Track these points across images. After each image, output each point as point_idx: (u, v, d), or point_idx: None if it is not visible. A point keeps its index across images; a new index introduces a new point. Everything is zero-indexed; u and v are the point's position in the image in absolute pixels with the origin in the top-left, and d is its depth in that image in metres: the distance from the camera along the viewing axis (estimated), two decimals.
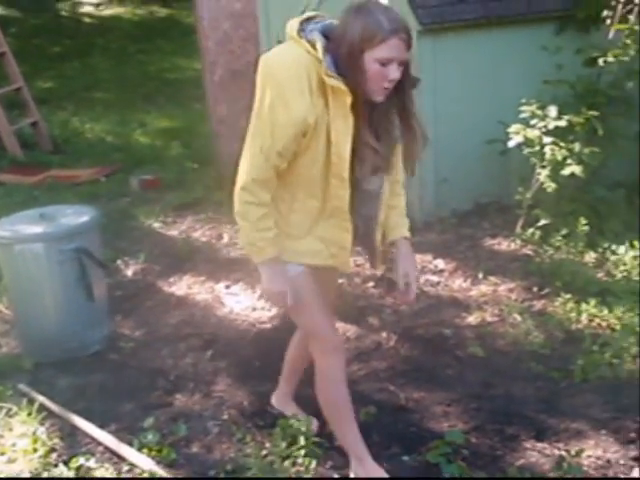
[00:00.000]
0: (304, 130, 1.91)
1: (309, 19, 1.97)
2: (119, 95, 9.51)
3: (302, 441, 2.40)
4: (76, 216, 3.20)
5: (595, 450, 2.41)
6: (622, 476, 2.27)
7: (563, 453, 2.37)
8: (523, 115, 3.97)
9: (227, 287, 3.88)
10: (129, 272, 4.17)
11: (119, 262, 4.24)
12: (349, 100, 1.89)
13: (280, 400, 2.71)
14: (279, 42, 5.11)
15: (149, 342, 3.33)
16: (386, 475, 2.27)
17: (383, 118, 1.98)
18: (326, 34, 1.91)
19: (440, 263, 4.00)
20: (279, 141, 1.92)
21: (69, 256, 3.07)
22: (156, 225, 4.95)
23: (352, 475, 2.31)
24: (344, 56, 1.86)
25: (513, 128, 3.97)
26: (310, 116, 1.89)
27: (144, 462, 2.38)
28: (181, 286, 3.94)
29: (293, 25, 1.95)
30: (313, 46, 1.88)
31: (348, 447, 2.33)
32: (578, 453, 2.36)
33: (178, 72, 10.77)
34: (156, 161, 6.50)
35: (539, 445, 2.45)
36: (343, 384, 2.28)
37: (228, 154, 5.57)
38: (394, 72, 1.86)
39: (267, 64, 1.94)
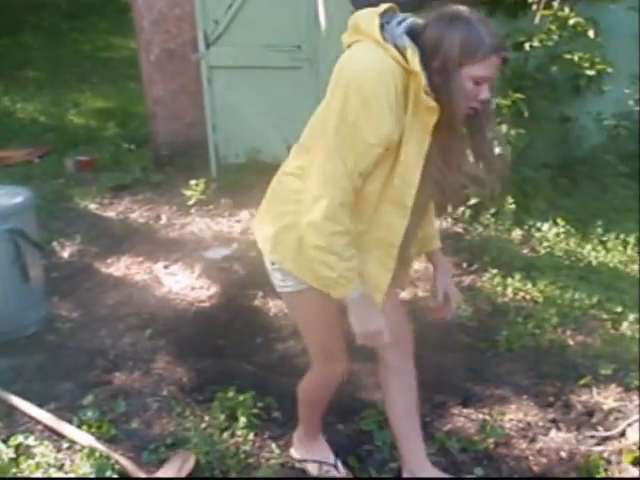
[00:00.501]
0: (387, 148, 1.71)
1: (385, 12, 1.74)
2: (52, 74, 9.26)
3: (240, 413, 2.48)
4: (10, 197, 3.17)
5: (517, 414, 2.57)
6: (541, 437, 2.43)
7: (487, 417, 2.52)
8: None
9: (166, 267, 3.90)
10: (65, 254, 4.14)
11: (55, 244, 4.20)
12: (433, 120, 1.68)
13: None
14: (215, 22, 5.09)
15: (87, 323, 3.33)
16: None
17: (459, 144, 1.76)
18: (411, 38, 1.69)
19: None
20: (363, 161, 1.69)
21: (3, 237, 3.04)
22: (92, 206, 4.91)
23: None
24: (437, 69, 1.65)
25: None
26: (396, 133, 1.69)
27: (84, 438, 2.42)
28: (119, 267, 3.94)
29: (372, 21, 1.71)
30: (403, 55, 1.65)
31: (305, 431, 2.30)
32: (500, 416, 2.51)
33: (113, 51, 10.55)
34: (91, 142, 6.40)
35: (465, 411, 2.59)
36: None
37: (164, 134, 5.56)
38: (485, 92, 1.67)
39: (351, 70, 1.69)
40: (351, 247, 1.74)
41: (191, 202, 4.74)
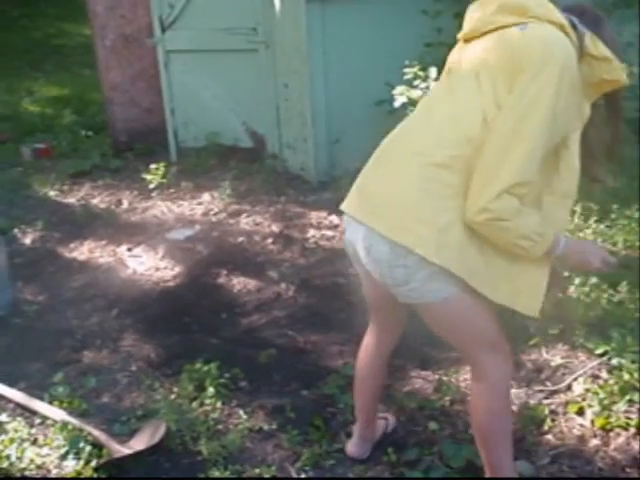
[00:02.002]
0: None
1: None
2: (3, 62, 9.10)
3: (208, 384, 2.58)
4: None
5: (469, 374, 2.71)
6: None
7: (443, 378, 2.66)
8: (407, 77, 4.21)
9: (129, 250, 3.96)
10: (27, 240, 4.15)
11: (16, 231, 4.22)
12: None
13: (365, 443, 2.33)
14: (170, 6, 5.08)
15: (53, 305, 3.38)
16: None
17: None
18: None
19: (335, 219, 4.22)
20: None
21: None
22: (52, 193, 4.91)
23: None
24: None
25: (398, 89, 4.21)
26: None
27: (56, 413, 2.49)
28: (82, 251, 3.99)
29: (547, 5, 1.72)
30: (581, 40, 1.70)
31: (499, 470, 1.98)
32: (455, 374, 2.66)
33: (65, 38, 10.42)
34: (48, 130, 6.36)
35: (423, 373, 2.74)
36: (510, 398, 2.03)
37: (122, 120, 5.57)
38: None
39: (560, 57, 1.64)
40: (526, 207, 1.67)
41: (152, 186, 4.78)
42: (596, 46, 1.70)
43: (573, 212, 3.93)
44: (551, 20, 1.69)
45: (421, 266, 1.69)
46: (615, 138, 1.84)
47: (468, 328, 1.85)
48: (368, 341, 2.23)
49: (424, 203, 1.69)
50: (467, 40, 1.84)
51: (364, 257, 1.80)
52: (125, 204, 4.66)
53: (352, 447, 2.31)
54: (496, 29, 1.73)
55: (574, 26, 1.71)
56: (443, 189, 1.69)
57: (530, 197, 1.70)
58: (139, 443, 2.34)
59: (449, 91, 1.79)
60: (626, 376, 2.48)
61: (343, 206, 1.90)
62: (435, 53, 4.32)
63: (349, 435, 2.37)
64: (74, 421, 2.43)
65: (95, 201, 4.75)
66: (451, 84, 1.81)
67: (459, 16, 4.33)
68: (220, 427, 2.45)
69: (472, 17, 1.81)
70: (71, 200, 4.80)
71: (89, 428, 2.40)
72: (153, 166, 4.83)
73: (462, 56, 1.83)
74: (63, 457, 2.33)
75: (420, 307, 1.82)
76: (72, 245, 4.05)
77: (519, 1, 1.72)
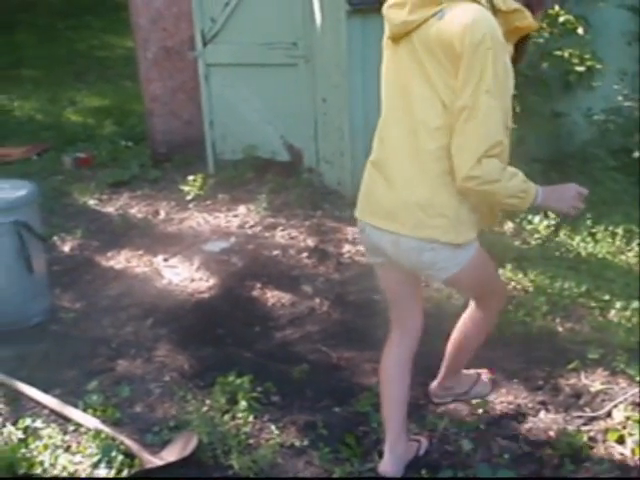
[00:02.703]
0: None
1: None
2: (48, 73, 9.31)
3: (240, 397, 2.57)
4: (14, 190, 3.25)
5: (507, 397, 2.67)
6: (531, 418, 2.52)
7: (479, 400, 2.61)
8: None
9: (165, 260, 3.98)
10: (66, 248, 4.21)
11: (55, 238, 4.28)
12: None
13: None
14: (212, 20, 5.17)
15: (89, 313, 3.42)
16: None
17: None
18: None
19: None
20: (509, 111, 1.95)
21: (8, 229, 3.12)
22: (91, 202, 4.98)
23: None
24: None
25: None
26: None
27: (89, 421, 2.50)
28: (119, 260, 4.03)
29: None
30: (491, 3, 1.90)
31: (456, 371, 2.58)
32: (491, 400, 2.62)
33: (108, 50, 10.61)
34: (89, 139, 6.46)
35: None
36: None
37: (162, 132, 5.64)
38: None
39: (486, 33, 1.82)
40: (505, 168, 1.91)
41: (189, 197, 4.82)
42: (505, 2, 1.91)
43: (614, 234, 3.86)
44: None
45: (445, 247, 1.99)
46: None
47: (486, 278, 2.23)
48: (388, 347, 2.34)
49: (434, 198, 1.96)
50: (394, 40, 2.01)
51: (393, 252, 2.07)
52: (162, 214, 4.71)
53: (384, 466, 2.28)
54: (417, 25, 1.91)
55: None
56: (443, 177, 1.94)
57: (503, 155, 1.93)
58: (171, 454, 2.34)
59: (411, 90, 1.97)
60: None
61: (357, 214, 2.19)
62: None
63: (381, 454, 2.34)
64: (107, 430, 2.44)
65: (133, 211, 4.80)
66: (404, 88, 1.99)
67: None
68: (251, 441, 2.44)
69: (392, 20, 1.98)
70: (109, 209, 4.86)
71: (122, 437, 2.40)
72: (191, 177, 4.88)
73: (400, 58, 1.99)
74: (95, 465, 2.34)
75: (450, 281, 2.15)
76: (109, 254, 4.10)
77: None
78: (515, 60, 1.98)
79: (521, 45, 2.03)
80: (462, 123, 1.86)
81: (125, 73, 8.27)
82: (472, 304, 2.41)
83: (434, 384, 2.63)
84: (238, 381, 2.64)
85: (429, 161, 1.95)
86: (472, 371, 2.69)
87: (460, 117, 1.86)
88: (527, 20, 1.94)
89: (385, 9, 2.02)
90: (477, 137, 1.85)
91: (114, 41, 10.82)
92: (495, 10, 1.90)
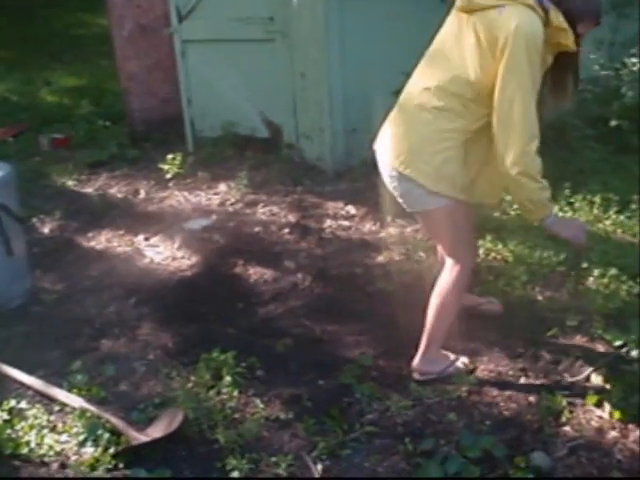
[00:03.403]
0: None
1: None
2: (22, 53, 9.18)
3: (225, 372, 2.59)
4: None
5: (488, 365, 2.71)
6: (511, 385, 2.57)
7: (460, 367, 2.65)
8: None
9: (146, 239, 3.98)
10: (46, 229, 4.19)
11: (35, 220, 4.25)
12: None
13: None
14: None
15: (71, 294, 3.41)
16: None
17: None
18: None
19: (351, 209, 4.22)
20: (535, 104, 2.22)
21: None
22: (70, 183, 4.95)
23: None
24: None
25: None
26: None
27: (74, 400, 2.51)
28: (100, 240, 4.01)
29: None
30: (546, 13, 2.17)
31: (430, 345, 2.61)
32: (470, 364, 2.66)
33: (84, 28, 10.46)
34: (65, 120, 6.40)
35: None
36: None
37: (139, 111, 5.59)
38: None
39: (528, 33, 2.13)
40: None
41: (169, 176, 4.80)
42: (557, 18, 2.18)
43: (592, 203, 3.90)
44: (522, 2, 2.16)
45: (420, 188, 2.35)
46: (568, 84, 2.41)
47: (452, 234, 2.48)
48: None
49: (425, 147, 2.32)
50: (462, 10, 2.28)
51: (386, 177, 2.47)
52: (142, 194, 4.69)
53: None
54: (482, 8, 2.21)
55: (541, 2, 2.17)
56: (440, 134, 2.30)
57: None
58: (157, 431, 2.36)
59: (447, 54, 2.30)
60: None
61: (375, 145, 2.54)
62: None
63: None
64: (92, 408, 2.45)
65: (112, 191, 4.78)
66: (449, 49, 2.30)
67: None
68: (237, 416, 2.46)
69: None
70: (89, 190, 4.83)
71: (107, 415, 2.42)
72: (170, 156, 4.85)
73: (459, 26, 2.27)
74: (81, 444, 2.35)
75: (417, 216, 2.55)
76: (90, 234, 4.08)
77: None
78: (563, 73, 2.35)
79: (571, 58, 2.32)
80: (501, 114, 2.19)
81: (101, 51, 8.15)
82: (445, 266, 2.55)
83: (416, 359, 2.64)
84: (222, 357, 2.65)
85: (431, 117, 2.29)
86: (452, 355, 2.70)
87: (498, 107, 2.19)
88: (569, 40, 2.21)
89: None
90: (518, 132, 2.18)
91: (89, 19, 10.67)
92: (547, 21, 2.17)
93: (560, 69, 2.33)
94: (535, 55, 2.14)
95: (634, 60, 4.73)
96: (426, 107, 2.31)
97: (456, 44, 2.27)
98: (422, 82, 2.35)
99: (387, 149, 2.43)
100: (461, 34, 2.25)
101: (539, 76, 2.21)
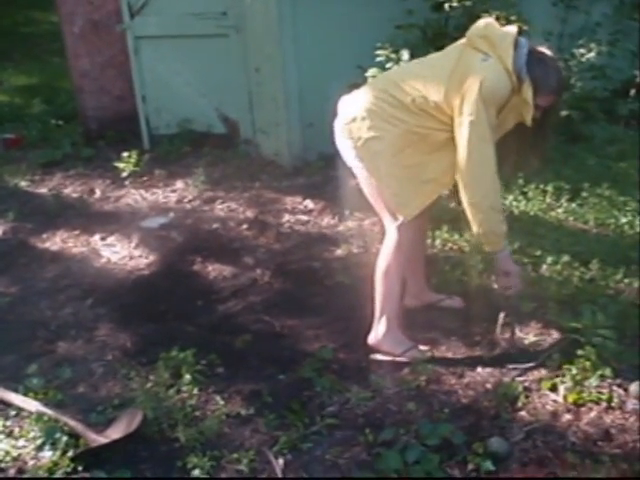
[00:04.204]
0: None
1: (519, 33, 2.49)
2: None
3: (184, 371, 2.58)
4: None
5: (446, 353, 2.75)
6: (469, 373, 2.61)
7: (418, 357, 2.68)
8: (379, 59, 4.20)
9: (103, 239, 3.92)
10: None
11: None
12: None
13: (417, 299, 3.03)
14: None
15: (26, 296, 3.35)
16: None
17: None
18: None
19: (309, 203, 4.23)
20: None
21: None
22: (23, 184, 4.85)
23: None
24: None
25: (370, 72, 4.19)
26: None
27: (31, 405, 2.46)
28: (55, 241, 3.94)
29: (509, 47, 2.42)
30: (519, 81, 2.42)
31: (381, 315, 2.73)
32: (428, 353, 2.69)
33: (33, 25, 10.24)
34: (17, 119, 6.27)
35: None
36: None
37: (93, 109, 5.51)
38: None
39: (487, 88, 2.38)
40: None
41: (124, 174, 4.74)
42: (527, 92, 2.43)
43: (544, 192, 3.98)
44: (503, 63, 2.40)
45: (361, 148, 2.59)
46: (540, 143, 2.68)
47: (379, 197, 2.63)
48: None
49: (365, 121, 2.54)
50: (467, 38, 2.53)
51: (337, 139, 2.71)
52: (98, 193, 4.62)
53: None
54: (476, 48, 2.46)
55: (519, 72, 2.41)
56: (382, 115, 2.52)
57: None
58: (116, 432, 2.33)
59: (429, 67, 2.58)
60: (597, 352, 2.52)
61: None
62: (406, 35, 4.32)
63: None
64: (50, 412, 2.41)
65: (67, 191, 4.70)
66: (437, 59, 2.60)
67: None
68: (197, 413, 2.45)
69: (476, 28, 2.51)
70: (42, 190, 4.74)
71: (65, 418, 2.38)
72: (125, 154, 4.78)
73: (456, 48, 2.55)
74: (39, 448, 2.31)
75: (356, 170, 2.67)
76: (44, 235, 4.01)
77: (490, 32, 2.46)
78: (536, 133, 2.58)
79: (543, 122, 2.56)
80: (461, 159, 2.46)
81: (52, 49, 8.01)
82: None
83: (372, 333, 2.75)
84: (181, 355, 2.64)
85: (387, 102, 2.52)
86: (410, 342, 2.75)
87: (459, 149, 2.44)
88: (528, 115, 2.47)
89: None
90: (478, 187, 2.49)
91: (39, 16, 10.44)
92: (519, 90, 2.43)
93: (534, 135, 2.58)
94: (491, 108, 2.40)
95: (582, 51, 4.83)
96: (388, 97, 2.53)
97: (444, 58, 2.54)
98: (401, 77, 2.59)
99: (346, 104, 2.67)
100: (449, 55, 2.52)
101: (492, 122, 2.43)
